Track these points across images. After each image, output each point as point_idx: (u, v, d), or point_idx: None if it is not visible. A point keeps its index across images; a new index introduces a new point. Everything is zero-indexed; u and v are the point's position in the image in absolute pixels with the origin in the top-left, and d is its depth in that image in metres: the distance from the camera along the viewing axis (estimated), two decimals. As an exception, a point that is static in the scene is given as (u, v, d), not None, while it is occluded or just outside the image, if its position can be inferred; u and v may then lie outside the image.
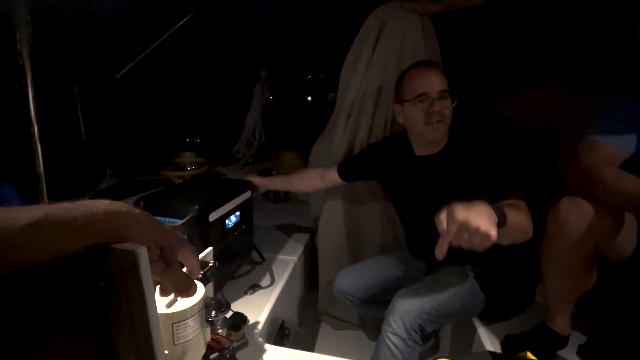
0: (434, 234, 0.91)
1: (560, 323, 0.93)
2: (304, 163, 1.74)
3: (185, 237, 0.86)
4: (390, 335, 0.93)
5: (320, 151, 1.47)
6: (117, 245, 0.29)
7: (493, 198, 0.88)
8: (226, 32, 2.22)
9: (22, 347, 0.24)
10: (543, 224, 0.91)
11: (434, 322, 0.96)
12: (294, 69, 2.35)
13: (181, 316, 0.51)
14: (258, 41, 2.27)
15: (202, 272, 0.59)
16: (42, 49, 1.01)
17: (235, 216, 1.09)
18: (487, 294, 1.03)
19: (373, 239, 1.47)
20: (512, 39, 1.47)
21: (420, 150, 1.10)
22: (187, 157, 1.90)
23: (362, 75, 1.33)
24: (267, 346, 0.90)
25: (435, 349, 1.37)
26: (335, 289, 1.22)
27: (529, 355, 0.82)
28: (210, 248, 0.69)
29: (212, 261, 0.64)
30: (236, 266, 1.20)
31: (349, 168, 1.28)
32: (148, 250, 0.30)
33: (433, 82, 0.99)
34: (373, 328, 1.42)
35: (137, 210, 0.32)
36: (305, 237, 1.61)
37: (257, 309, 1.05)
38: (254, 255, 1.31)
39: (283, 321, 1.23)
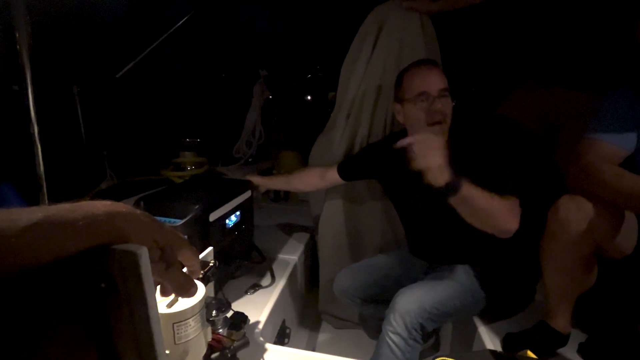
0: (433, 233, 0.91)
1: (561, 321, 0.94)
2: (304, 162, 1.74)
3: (186, 237, 0.86)
4: (391, 334, 0.93)
5: (320, 150, 1.47)
6: (118, 246, 0.29)
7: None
8: (225, 31, 2.22)
9: (23, 348, 0.24)
10: (543, 222, 0.91)
11: (434, 321, 0.97)
12: (294, 68, 2.35)
13: (182, 316, 0.51)
14: (257, 41, 2.27)
15: (202, 272, 0.59)
16: (41, 50, 1.00)
17: (236, 216, 1.10)
18: (487, 293, 1.03)
19: (373, 238, 1.47)
20: (511, 37, 1.47)
21: (419, 149, 1.10)
22: (187, 157, 1.90)
23: (362, 74, 1.32)
24: (268, 345, 0.90)
25: (435, 348, 1.38)
26: (336, 288, 1.22)
27: (530, 353, 0.83)
28: (210, 248, 0.69)
29: (212, 261, 0.64)
30: (236, 266, 1.20)
31: (349, 167, 1.28)
32: (149, 250, 0.30)
33: (433, 81, 0.99)
34: (374, 327, 1.42)
35: (138, 211, 0.32)
36: (305, 236, 1.62)
37: (257, 308, 1.05)
38: (255, 255, 1.31)
39: (284, 320, 1.23)
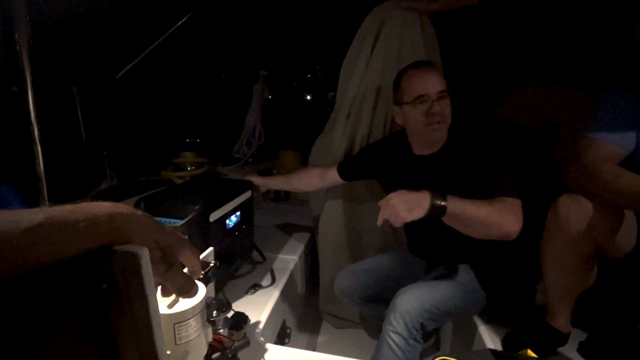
0: (433, 233, 0.91)
1: (561, 320, 0.94)
2: (304, 162, 1.74)
3: (186, 237, 0.86)
4: (392, 334, 0.93)
5: (320, 150, 1.47)
6: (119, 247, 0.29)
7: (487, 195, 0.88)
8: (225, 31, 2.22)
9: (26, 348, 0.24)
10: (543, 221, 0.91)
11: (434, 321, 0.97)
12: (293, 68, 2.35)
13: (183, 316, 0.51)
14: (257, 41, 2.27)
15: (203, 272, 0.59)
16: (41, 50, 1.00)
17: (236, 216, 1.10)
18: (487, 292, 1.03)
19: (373, 238, 1.47)
20: (510, 37, 1.47)
21: (419, 149, 1.10)
22: (187, 157, 1.90)
23: (362, 74, 1.32)
24: (269, 345, 0.90)
25: (436, 347, 1.38)
26: (336, 288, 1.22)
27: (530, 352, 0.83)
28: (211, 248, 0.70)
29: (213, 261, 0.64)
30: (237, 266, 1.20)
31: (349, 167, 1.28)
32: (150, 251, 0.31)
33: (432, 83, 0.98)
34: (374, 327, 1.42)
35: (139, 212, 0.32)
36: (305, 236, 1.62)
37: (258, 308, 1.05)
38: (255, 255, 1.31)
39: (284, 320, 1.23)
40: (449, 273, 1.05)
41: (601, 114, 0.89)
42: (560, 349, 0.95)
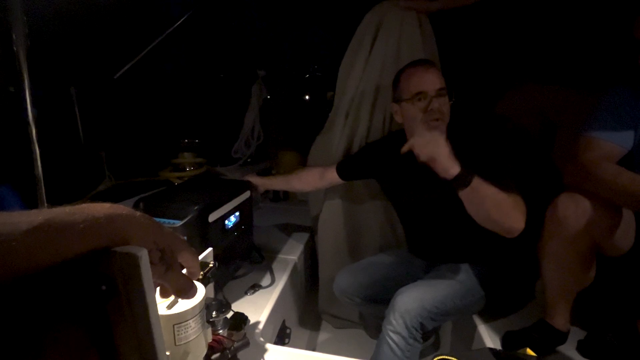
0: (433, 233, 0.91)
1: (560, 319, 0.94)
2: (303, 162, 1.74)
3: (185, 238, 0.86)
4: (391, 334, 0.93)
5: (319, 150, 1.47)
6: (118, 249, 0.29)
7: None
8: (223, 32, 2.21)
9: (26, 351, 0.24)
10: (542, 220, 0.91)
11: (434, 320, 0.97)
12: (292, 68, 2.35)
13: (182, 317, 0.51)
14: (255, 41, 2.26)
15: (202, 273, 0.59)
16: (38, 51, 1.00)
17: (235, 216, 1.10)
18: (486, 291, 1.03)
19: (372, 238, 1.47)
20: (509, 36, 1.47)
21: (418, 148, 1.10)
22: (186, 157, 1.90)
23: (360, 74, 1.33)
24: (268, 346, 0.90)
25: (435, 346, 1.38)
26: (335, 288, 1.22)
27: (529, 351, 0.83)
28: (210, 249, 0.69)
29: (212, 262, 0.64)
30: (236, 266, 1.20)
31: (348, 167, 1.28)
32: (149, 253, 0.30)
33: (430, 80, 0.99)
34: (374, 326, 1.42)
35: (138, 213, 0.32)
36: (305, 236, 1.62)
37: (257, 308, 1.05)
38: (254, 255, 1.31)
39: (284, 321, 1.23)
40: (448, 272, 1.05)
41: (599, 113, 0.89)
42: (559, 348, 0.95)
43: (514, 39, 1.44)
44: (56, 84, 1.50)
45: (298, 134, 2.10)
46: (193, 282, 0.40)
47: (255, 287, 1.15)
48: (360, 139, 1.35)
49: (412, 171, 1.11)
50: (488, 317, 1.09)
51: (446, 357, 0.79)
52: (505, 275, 1.11)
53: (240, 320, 0.82)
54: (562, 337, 0.95)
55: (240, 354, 0.74)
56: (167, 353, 0.52)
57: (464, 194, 0.86)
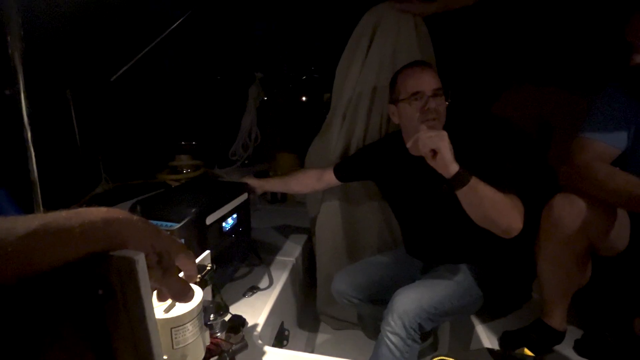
0: (430, 233, 0.91)
1: (557, 318, 0.94)
2: (301, 164, 1.74)
3: (183, 241, 0.86)
4: (390, 335, 0.93)
5: (317, 152, 1.47)
6: (115, 253, 0.29)
7: None
8: (220, 33, 2.21)
9: (23, 354, 0.24)
10: (538, 221, 0.92)
11: (432, 321, 0.97)
12: (289, 70, 2.35)
13: (180, 321, 0.51)
14: (253, 42, 2.27)
15: (200, 275, 0.59)
16: (34, 53, 1.00)
17: (233, 219, 1.09)
18: (484, 292, 1.04)
19: (370, 239, 1.47)
20: (504, 38, 1.48)
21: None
22: (183, 160, 1.90)
23: (357, 76, 1.33)
24: (267, 348, 0.90)
25: (434, 347, 1.38)
26: (333, 290, 1.22)
27: (527, 351, 0.83)
28: (207, 251, 0.69)
29: (209, 264, 0.64)
30: (234, 269, 1.20)
31: (345, 169, 1.28)
32: (146, 256, 0.30)
33: (426, 81, 1.00)
34: (372, 327, 1.42)
35: (135, 217, 0.32)
36: (302, 237, 1.62)
37: (256, 311, 1.05)
38: (252, 257, 1.31)
39: (282, 322, 1.23)
40: (446, 273, 1.06)
41: (592, 114, 0.90)
42: (556, 347, 0.95)
43: (510, 40, 1.45)
44: (52, 86, 1.49)
45: (295, 135, 2.11)
46: (190, 286, 0.40)
47: (253, 289, 1.15)
48: (357, 141, 1.35)
49: (410, 172, 1.12)
50: (486, 317, 1.09)
51: (445, 357, 0.79)
52: (503, 276, 1.12)
53: (238, 322, 0.82)
54: (559, 337, 0.95)
55: (238, 357, 0.74)
56: (165, 357, 0.52)
57: (462, 193, 0.86)
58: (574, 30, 1.24)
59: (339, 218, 1.45)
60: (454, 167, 0.84)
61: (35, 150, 0.99)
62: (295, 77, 2.34)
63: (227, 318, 0.77)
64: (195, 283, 0.53)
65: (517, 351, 0.85)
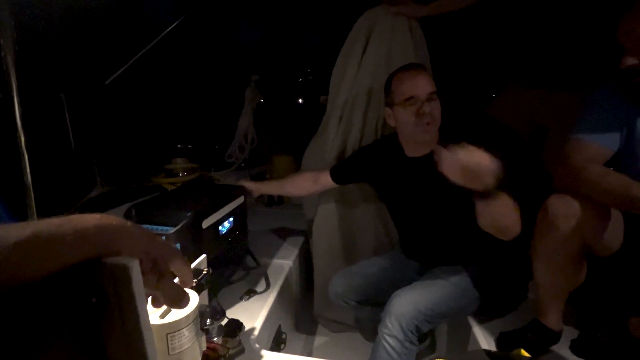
0: (427, 235, 0.91)
1: (553, 319, 0.95)
2: (297, 166, 1.74)
3: (178, 245, 0.85)
4: (387, 337, 0.93)
5: (313, 154, 1.48)
6: (109, 260, 0.29)
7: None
8: (216, 37, 2.21)
9: (14, 365, 0.24)
10: (533, 222, 0.92)
11: (429, 322, 0.97)
12: (285, 72, 2.36)
13: (175, 326, 0.51)
14: (248, 45, 2.27)
15: (196, 280, 0.59)
16: (27, 56, 0.99)
17: (229, 222, 1.09)
18: (480, 293, 1.04)
19: (367, 241, 1.47)
20: (498, 40, 1.50)
21: (411, 151, 1.11)
22: (179, 163, 1.89)
23: (353, 78, 1.34)
24: (264, 352, 0.89)
25: (431, 349, 1.38)
26: (331, 292, 1.22)
27: (523, 352, 0.84)
28: (204, 255, 0.69)
29: (206, 268, 0.64)
30: (231, 272, 1.19)
31: (342, 171, 1.28)
32: (140, 262, 0.30)
33: (421, 85, 1.00)
34: (369, 330, 1.42)
35: (129, 223, 0.32)
36: (299, 240, 1.61)
37: (252, 314, 1.04)
38: (249, 261, 1.30)
39: (279, 326, 1.23)
40: (442, 274, 1.06)
41: (585, 115, 0.91)
42: (553, 347, 0.96)
43: (503, 43, 1.47)
44: (46, 89, 1.48)
45: (291, 138, 2.11)
46: (185, 292, 0.39)
47: (250, 292, 1.15)
48: (353, 143, 1.36)
49: (406, 174, 1.12)
50: (482, 318, 1.09)
51: (443, 359, 0.79)
52: (499, 277, 1.12)
53: (235, 326, 0.81)
54: (555, 337, 0.96)
55: (235, 361, 0.73)
56: (161, 363, 0.51)
57: (484, 204, 0.82)
58: (567, 32, 1.25)
59: (336, 220, 1.45)
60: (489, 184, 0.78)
61: (29, 154, 0.98)
62: (291, 80, 2.35)
63: (223, 322, 0.77)
64: (192, 288, 0.53)
65: (514, 352, 0.86)
